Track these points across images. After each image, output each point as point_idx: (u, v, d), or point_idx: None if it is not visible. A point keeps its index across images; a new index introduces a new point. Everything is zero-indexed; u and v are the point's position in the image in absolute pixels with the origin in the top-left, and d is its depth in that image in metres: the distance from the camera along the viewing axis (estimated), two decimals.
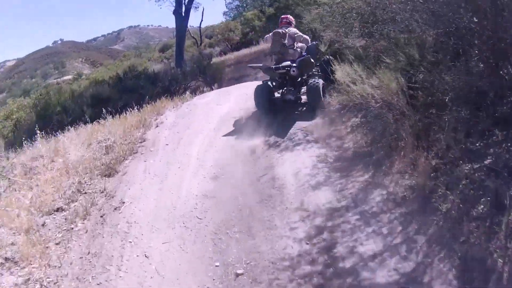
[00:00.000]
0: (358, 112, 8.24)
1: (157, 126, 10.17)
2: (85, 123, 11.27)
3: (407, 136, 6.07)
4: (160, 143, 9.11)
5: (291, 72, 8.58)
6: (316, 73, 9.48)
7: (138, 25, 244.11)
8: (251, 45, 27.34)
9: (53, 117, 15.38)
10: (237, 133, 8.96)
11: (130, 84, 16.94)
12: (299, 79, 9.28)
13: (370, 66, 7.48)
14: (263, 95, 9.21)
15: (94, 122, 11.27)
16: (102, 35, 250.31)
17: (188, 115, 10.47)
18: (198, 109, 10.72)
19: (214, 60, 26.45)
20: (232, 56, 25.69)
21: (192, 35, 35.50)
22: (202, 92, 13.40)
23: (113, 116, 11.49)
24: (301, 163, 7.25)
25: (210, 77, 17.52)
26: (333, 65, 8.34)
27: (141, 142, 9.39)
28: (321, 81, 8.74)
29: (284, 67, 8.63)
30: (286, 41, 8.86)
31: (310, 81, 8.72)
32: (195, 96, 12.69)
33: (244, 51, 25.84)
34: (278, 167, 7.30)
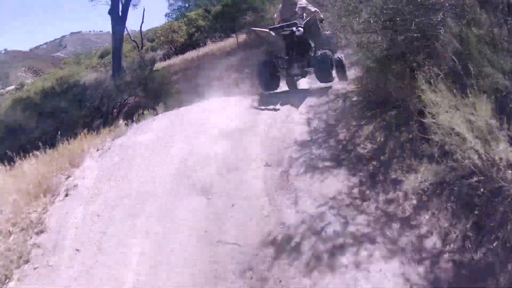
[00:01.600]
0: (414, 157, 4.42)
1: (66, 195, 5.64)
2: None
3: None
4: (66, 243, 4.61)
5: (297, 32, 7.41)
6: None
7: (80, 31, 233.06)
8: (197, 47, 22.85)
9: None
10: (209, 216, 4.65)
11: (51, 105, 12.11)
12: (306, 53, 7.94)
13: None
14: (266, 71, 8.10)
15: None
16: (45, 43, 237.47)
17: (119, 169, 5.98)
18: (136, 157, 6.24)
19: (157, 65, 21.91)
20: (177, 60, 21.21)
21: (133, 38, 30.59)
22: (143, 115, 8.88)
23: (14, 161, 7.03)
24: None
25: (154, 90, 12.91)
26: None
27: (38, 234, 4.92)
28: (330, 53, 7.52)
29: (289, 26, 7.52)
30: (296, 10, 7.93)
31: (317, 52, 7.54)
32: (132, 125, 8.11)
33: (191, 54, 21.48)
34: None
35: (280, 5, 8.40)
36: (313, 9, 7.95)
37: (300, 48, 7.89)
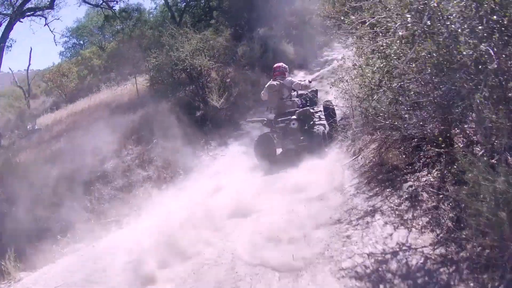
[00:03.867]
0: None
1: None
2: None
3: None
4: None
5: (291, 125, 7.18)
6: (318, 119, 7.68)
7: None
8: (90, 93, 17.18)
9: None
10: None
11: None
12: (300, 131, 7.36)
13: None
14: (264, 146, 7.38)
15: None
16: None
17: None
18: None
19: (42, 120, 16.10)
20: (66, 112, 15.48)
21: (19, 83, 24.08)
22: None
23: None
24: None
25: (13, 192, 7.53)
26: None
27: None
28: (322, 128, 7.25)
29: (283, 121, 7.30)
30: (283, 93, 7.54)
31: (312, 129, 7.19)
32: None
33: (82, 103, 16.02)
34: None
35: (266, 86, 7.79)
36: (301, 84, 7.60)
37: (294, 131, 7.30)
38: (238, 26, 14.36)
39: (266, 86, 7.71)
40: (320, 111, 7.84)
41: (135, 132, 9.02)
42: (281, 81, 7.51)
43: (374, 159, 4.84)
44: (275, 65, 7.83)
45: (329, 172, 5.25)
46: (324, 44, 15.46)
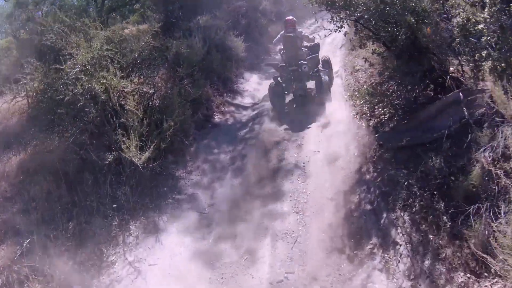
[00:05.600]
0: None
1: None
2: None
3: None
4: None
5: (303, 68, 7.67)
6: (322, 68, 8.19)
7: None
8: None
9: None
10: None
11: None
12: (307, 76, 8.01)
13: None
14: (278, 93, 7.91)
15: None
16: None
17: None
18: None
19: None
20: None
21: None
22: None
23: None
24: None
25: None
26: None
27: None
28: (327, 78, 7.82)
29: (296, 65, 7.69)
30: (297, 43, 7.83)
31: (319, 76, 7.75)
32: None
33: None
34: None
35: (281, 36, 8.06)
36: (309, 37, 8.06)
37: (302, 76, 7.76)
38: (170, 12, 10.33)
39: (280, 36, 8.09)
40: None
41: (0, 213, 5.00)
42: (294, 33, 7.82)
43: None
44: (287, 18, 8.26)
45: None
46: (276, 35, 11.93)
